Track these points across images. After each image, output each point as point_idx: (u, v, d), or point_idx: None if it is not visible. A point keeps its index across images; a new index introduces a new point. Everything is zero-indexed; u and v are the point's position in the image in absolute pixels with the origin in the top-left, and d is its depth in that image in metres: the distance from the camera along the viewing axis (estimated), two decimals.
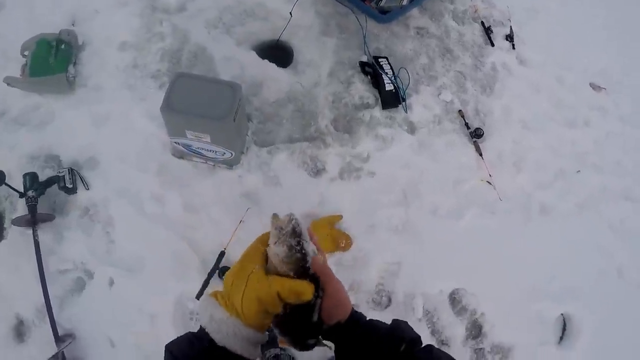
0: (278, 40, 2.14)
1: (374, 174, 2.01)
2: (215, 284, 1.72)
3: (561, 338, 2.06)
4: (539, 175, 2.30)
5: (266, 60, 2.08)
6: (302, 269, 0.58)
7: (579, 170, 2.37)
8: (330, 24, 2.23)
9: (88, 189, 1.84)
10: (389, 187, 2.01)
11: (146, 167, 1.88)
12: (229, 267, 1.70)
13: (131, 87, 2.02)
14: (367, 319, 0.68)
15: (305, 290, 0.56)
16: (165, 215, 1.82)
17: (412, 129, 2.15)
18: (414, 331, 0.66)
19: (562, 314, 2.07)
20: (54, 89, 1.97)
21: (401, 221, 1.97)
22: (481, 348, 1.92)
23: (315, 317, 0.60)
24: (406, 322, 0.67)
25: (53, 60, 1.95)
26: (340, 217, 1.90)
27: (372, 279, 1.90)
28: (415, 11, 2.43)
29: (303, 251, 0.58)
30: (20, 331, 1.66)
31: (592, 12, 3.06)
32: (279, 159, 1.93)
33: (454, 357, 0.63)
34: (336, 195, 1.94)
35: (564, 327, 2.08)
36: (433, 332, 1.93)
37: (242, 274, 0.58)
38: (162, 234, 1.79)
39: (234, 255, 1.76)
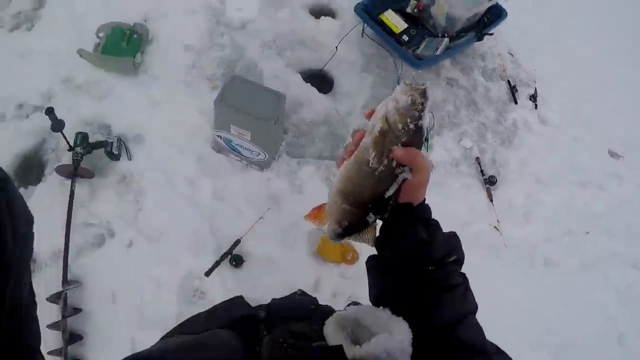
0: (322, 69, 2.48)
1: None
2: (225, 267, 1.95)
3: None
4: (547, 229, 2.49)
5: (309, 84, 2.41)
6: (414, 129, 0.60)
7: (588, 232, 2.53)
8: (370, 62, 2.58)
9: (130, 159, 2.12)
10: None
11: (186, 153, 2.17)
12: (241, 256, 1.95)
13: (187, 83, 2.35)
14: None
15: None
16: (194, 197, 2.09)
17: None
18: (464, 253, 0.68)
19: None
20: (120, 69, 2.31)
21: None
22: None
23: (390, 192, 0.63)
24: (460, 242, 0.69)
25: (125, 45, 2.31)
26: None
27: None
28: (447, 62, 2.76)
29: (421, 113, 0.60)
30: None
31: (620, 80, 3.30)
32: (306, 170, 2.21)
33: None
34: None
35: None
36: None
37: None
38: (187, 212, 2.05)
39: (248, 245, 2.00)
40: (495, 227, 2.35)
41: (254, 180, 2.17)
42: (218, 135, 2.09)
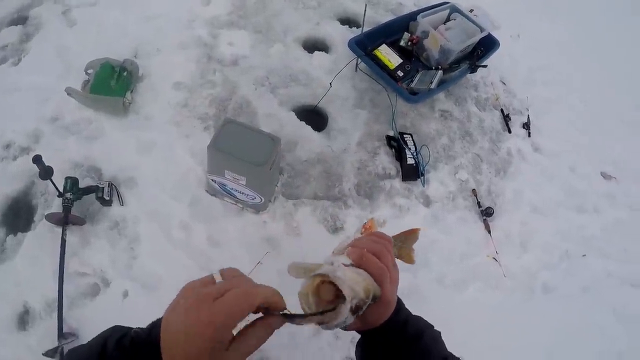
0: (316, 106, 2.55)
1: None
2: None
3: None
4: (545, 256, 2.57)
5: (303, 122, 2.47)
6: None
7: (585, 255, 2.63)
8: (364, 98, 2.65)
9: (122, 204, 2.15)
10: None
11: (180, 197, 2.20)
12: None
13: (178, 123, 2.40)
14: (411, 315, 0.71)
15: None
16: (189, 243, 2.12)
17: (427, 202, 2.48)
18: (446, 349, 0.69)
19: None
20: (110, 109, 2.34)
21: (408, 284, 2.23)
22: None
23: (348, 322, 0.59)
24: (440, 336, 0.71)
25: (114, 83, 2.34)
26: None
27: None
28: (441, 95, 2.86)
29: (331, 321, 0.59)
30: (24, 319, 1.88)
31: (610, 104, 3.45)
32: (302, 212, 2.26)
33: None
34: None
35: None
36: None
37: None
38: (183, 259, 2.07)
39: None
40: (493, 258, 2.43)
41: (249, 223, 2.21)
42: (212, 179, 2.13)
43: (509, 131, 2.94)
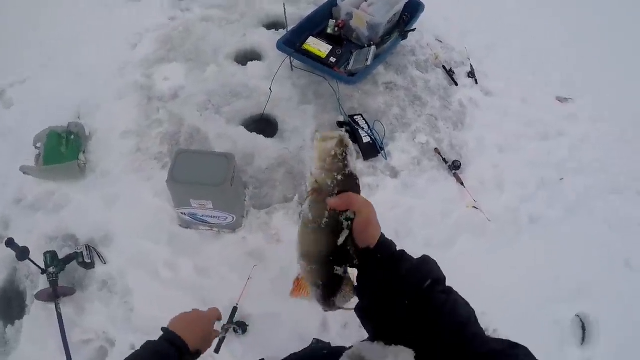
0: (263, 114, 2.60)
1: None
2: (232, 338, 2.01)
3: (583, 339, 2.23)
4: (523, 190, 2.63)
5: (254, 133, 2.52)
6: (344, 178, 0.68)
7: (562, 178, 2.69)
8: (307, 93, 2.71)
9: (105, 263, 2.17)
10: (382, 228, 2.34)
11: (157, 239, 2.24)
12: (243, 322, 2.03)
13: (136, 169, 2.44)
14: (399, 249, 0.73)
15: None
16: (179, 279, 2.15)
17: (394, 173, 2.54)
18: (441, 271, 0.69)
19: (577, 315, 2.27)
20: (67, 175, 2.37)
21: None
22: None
23: (342, 239, 0.69)
24: (435, 261, 0.71)
25: (65, 149, 2.37)
26: None
27: None
28: (381, 69, 2.92)
29: (345, 162, 0.68)
30: None
31: (547, 33, 3.56)
32: (277, 217, 2.31)
33: (473, 308, 0.67)
34: None
35: (584, 328, 2.25)
36: None
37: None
38: (177, 297, 2.10)
39: (246, 309, 2.08)
40: (473, 207, 2.48)
41: (230, 244, 2.24)
42: (182, 212, 2.16)
43: (456, 84, 3.01)
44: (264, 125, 2.63)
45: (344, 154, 0.67)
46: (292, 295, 0.83)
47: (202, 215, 2.15)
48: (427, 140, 2.68)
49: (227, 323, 1.99)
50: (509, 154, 2.76)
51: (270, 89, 2.57)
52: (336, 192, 0.68)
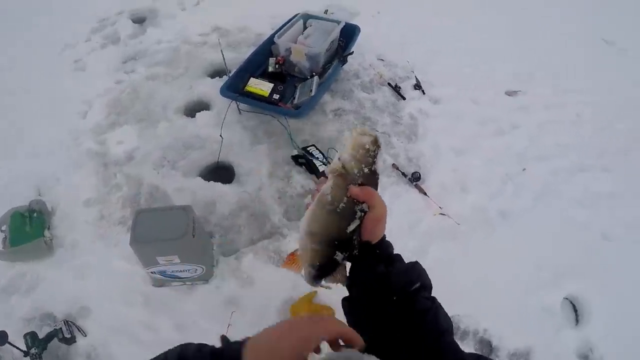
0: (217, 161, 2.64)
1: None
2: None
3: (577, 320, 2.26)
4: (488, 188, 2.70)
5: (212, 182, 2.56)
6: (369, 173, 0.72)
7: (524, 169, 2.75)
8: (257, 133, 2.78)
9: (85, 335, 2.17)
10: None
11: (132, 302, 2.25)
12: None
13: (102, 236, 2.46)
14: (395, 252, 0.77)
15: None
16: (160, 340, 2.15)
17: None
18: (429, 279, 0.73)
19: (566, 298, 2.30)
20: (35, 254, 2.38)
21: None
22: None
23: (352, 227, 0.72)
24: (424, 269, 0.75)
25: (29, 228, 2.38)
26: (315, 292, 2.22)
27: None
28: (327, 97, 3.01)
29: (375, 159, 0.73)
30: None
31: (487, 34, 3.71)
32: (246, 261, 2.34)
33: (452, 322, 0.70)
34: None
35: (575, 309, 2.28)
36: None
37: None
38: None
39: None
40: (440, 213, 2.51)
41: (204, 295, 2.27)
42: (152, 272, 2.18)
43: (403, 98, 3.11)
44: (221, 172, 2.68)
45: (376, 152, 0.72)
46: (283, 266, 0.85)
47: (172, 271, 2.18)
48: (383, 159, 2.74)
49: None
50: (467, 156, 2.83)
51: (220, 135, 2.62)
52: (359, 182, 0.72)
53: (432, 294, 0.76)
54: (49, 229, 2.46)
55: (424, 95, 3.15)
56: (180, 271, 2.16)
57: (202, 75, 3.19)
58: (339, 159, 0.74)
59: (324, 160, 2.63)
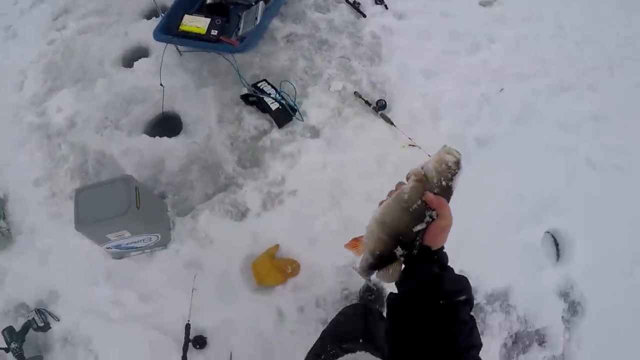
0: (162, 112, 2.40)
1: (295, 192, 2.21)
2: (195, 354, 1.96)
3: (558, 256, 2.12)
4: (462, 112, 2.43)
5: (157, 137, 2.34)
6: (446, 187, 0.80)
7: (502, 89, 2.46)
8: (201, 75, 2.49)
9: (58, 320, 2.14)
10: (315, 196, 2.20)
11: (96, 279, 2.17)
12: (202, 336, 1.98)
13: (56, 215, 2.32)
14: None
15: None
16: (128, 313, 2.10)
17: (314, 132, 2.34)
18: (473, 296, 0.78)
19: (547, 232, 2.15)
20: None
21: (339, 223, 2.13)
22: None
23: (418, 228, 0.80)
24: (471, 286, 0.80)
25: None
26: (277, 246, 2.09)
27: (334, 288, 2.07)
28: (277, 23, 2.65)
29: (454, 176, 0.81)
30: None
31: None
32: (203, 219, 2.18)
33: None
34: (267, 227, 2.15)
35: (556, 244, 2.13)
36: None
37: None
38: (134, 331, 2.06)
39: (200, 322, 2.00)
40: (410, 145, 2.28)
41: (165, 260, 2.15)
42: (107, 248, 2.06)
43: (364, 16, 2.73)
44: (169, 123, 2.44)
45: (456, 171, 0.80)
46: (346, 246, 0.90)
47: (127, 244, 2.05)
48: (343, 86, 2.46)
49: (185, 343, 1.92)
50: (438, 77, 2.52)
51: (161, 84, 2.36)
52: (435, 191, 0.79)
53: None
54: (4, 218, 2.34)
55: (386, 10, 2.74)
56: (137, 242, 2.04)
57: (137, 18, 2.84)
58: (422, 167, 0.82)
59: (277, 96, 2.37)
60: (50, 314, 2.13)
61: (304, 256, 2.08)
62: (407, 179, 0.84)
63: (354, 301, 2.05)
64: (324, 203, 2.18)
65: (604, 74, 2.64)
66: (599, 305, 2.02)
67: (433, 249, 0.79)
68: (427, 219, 0.79)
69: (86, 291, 2.15)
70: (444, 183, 0.80)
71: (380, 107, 2.36)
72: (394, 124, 2.33)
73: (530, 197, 2.16)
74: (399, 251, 0.81)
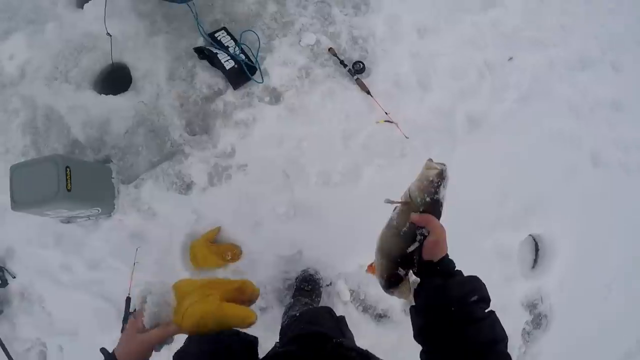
0: (112, 63, 2.14)
1: (245, 167, 1.98)
2: None
3: (535, 262, 1.84)
4: (457, 83, 2.05)
5: (102, 95, 2.12)
6: (431, 202, 0.82)
7: (511, 58, 1.99)
8: (156, 19, 2.17)
9: (15, 277, 2.17)
10: (266, 173, 1.96)
11: (46, 243, 2.12)
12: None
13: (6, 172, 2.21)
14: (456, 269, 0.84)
15: (248, 315, 0.80)
16: (76, 280, 2.08)
17: (275, 97, 2.04)
18: (488, 292, 0.79)
19: (530, 235, 1.91)
20: None
21: (289, 206, 1.91)
22: None
23: (412, 248, 0.83)
24: (484, 283, 0.81)
25: None
26: (218, 228, 1.91)
27: (277, 277, 1.89)
28: None
29: (437, 189, 0.82)
30: None
31: None
32: (146, 189, 2.04)
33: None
34: (211, 204, 1.99)
35: (537, 249, 1.86)
36: (365, 309, 1.86)
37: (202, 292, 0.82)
38: (80, 297, 2.06)
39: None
40: (386, 120, 1.92)
41: (109, 230, 2.06)
42: (51, 217, 1.98)
43: None
44: (118, 76, 2.20)
45: (439, 184, 0.81)
46: (367, 272, 0.96)
47: (69, 216, 1.99)
48: (317, 40, 2.07)
49: (125, 316, 1.87)
50: (436, 35, 2.08)
51: (108, 33, 2.06)
52: (421, 210, 0.82)
53: None
54: None
55: None
56: (78, 214, 1.97)
57: None
58: (408, 189, 0.84)
59: (235, 50, 2.01)
60: (7, 270, 2.16)
61: (246, 241, 1.90)
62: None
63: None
64: (275, 182, 1.94)
65: (633, 52, 2.14)
66: (566, 321, 1.81)
67: (434, 261, 0.82)
68: (419, 237, 0.83)
69: (38, 253, 2.14)
70: (428, 199, 0.81)
71: (357, 70, 1.98)
72: (370, 93, 1.96)
73: (517, 196, 1.89)
74: (401, 271, 0.88)
